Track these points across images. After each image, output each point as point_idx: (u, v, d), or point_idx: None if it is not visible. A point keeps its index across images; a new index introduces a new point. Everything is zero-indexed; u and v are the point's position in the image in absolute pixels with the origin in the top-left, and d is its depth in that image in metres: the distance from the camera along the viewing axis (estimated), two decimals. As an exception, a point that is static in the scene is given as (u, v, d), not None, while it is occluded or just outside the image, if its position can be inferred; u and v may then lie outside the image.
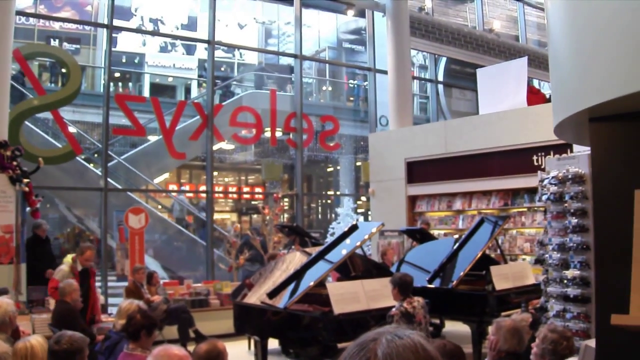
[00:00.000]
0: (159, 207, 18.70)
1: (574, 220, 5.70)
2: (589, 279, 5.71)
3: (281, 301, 8.07)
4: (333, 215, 21.75)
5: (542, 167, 10.40)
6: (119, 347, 5.93)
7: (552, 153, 11.21)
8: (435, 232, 14.33)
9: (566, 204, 5.89)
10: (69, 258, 10.33)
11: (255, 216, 21.48)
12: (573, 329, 5.51)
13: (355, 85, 22.84)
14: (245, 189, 24.27)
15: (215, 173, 20.57)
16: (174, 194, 19.69)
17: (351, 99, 22.95)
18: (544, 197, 6.24)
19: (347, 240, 8.87)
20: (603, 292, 3.44)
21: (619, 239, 3.05)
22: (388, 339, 1.36)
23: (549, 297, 6.05)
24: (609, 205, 3.36)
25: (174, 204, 18.13)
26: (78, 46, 21.04)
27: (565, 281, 5.79)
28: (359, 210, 21.52)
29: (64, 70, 13.69)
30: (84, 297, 9.32)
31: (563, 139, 4.72)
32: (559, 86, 3.69)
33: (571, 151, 8.52)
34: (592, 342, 4.05)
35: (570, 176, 5.86)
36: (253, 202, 22.36)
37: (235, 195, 23.88)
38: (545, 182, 6.25)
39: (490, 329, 5.33)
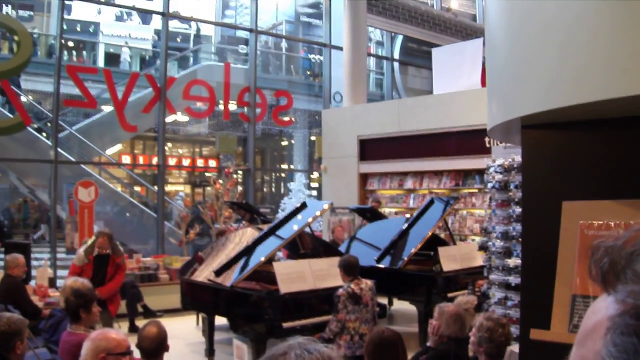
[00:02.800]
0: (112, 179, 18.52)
1: (518, 209, 5.74)
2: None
3: (229, 279, 8.08)
4: (286, 190, 21.74)
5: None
6: (63, 325, 5.88)
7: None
8: (386, 211, 14.45)
9: (511, 193, 5.95)
10: (89, 240, 10.04)
11: (209, 189, 21.40)
12: (514, 316, 5.59)
13: (303, 59, 22.84)
14: (200, 162, 24.12)
15: (169, 145, 20.47)
16: (126, 166, 19.51)
17: (308, 73, 22.87)
18: (489, 185, 6.30)
19: (298, 217, 8.89)
20: (527, 302, 3.48)
21: (547, 250, 3.07)
22: (297, 353, 1.37)
23: (492, 284, 6.14)
24: (537, 214, 3.36)
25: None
26: (32, 13, 20.68)
27: (508, 269, 5.87)
28: (313, 185, 21.53)
29: (16, 39, 13.35)
30: (98, 283, 8.91)
31: (496, 139, 4.76)
32: (494, 91, 3.70)
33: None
34: (516, 348, 4.11)
35: (515, 165, 5.90)
36: (207, 175, 22.29)
37: (189, 168, 23.79)
38: (491, 170, 6.31)
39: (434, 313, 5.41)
